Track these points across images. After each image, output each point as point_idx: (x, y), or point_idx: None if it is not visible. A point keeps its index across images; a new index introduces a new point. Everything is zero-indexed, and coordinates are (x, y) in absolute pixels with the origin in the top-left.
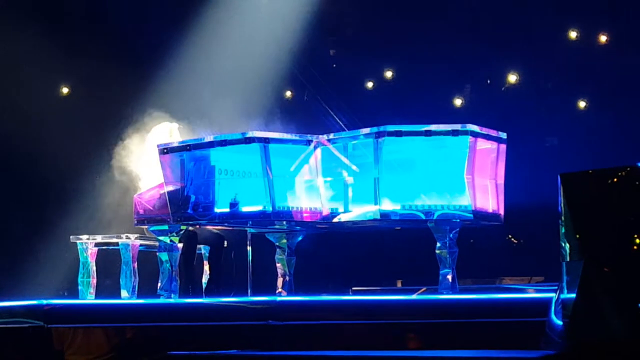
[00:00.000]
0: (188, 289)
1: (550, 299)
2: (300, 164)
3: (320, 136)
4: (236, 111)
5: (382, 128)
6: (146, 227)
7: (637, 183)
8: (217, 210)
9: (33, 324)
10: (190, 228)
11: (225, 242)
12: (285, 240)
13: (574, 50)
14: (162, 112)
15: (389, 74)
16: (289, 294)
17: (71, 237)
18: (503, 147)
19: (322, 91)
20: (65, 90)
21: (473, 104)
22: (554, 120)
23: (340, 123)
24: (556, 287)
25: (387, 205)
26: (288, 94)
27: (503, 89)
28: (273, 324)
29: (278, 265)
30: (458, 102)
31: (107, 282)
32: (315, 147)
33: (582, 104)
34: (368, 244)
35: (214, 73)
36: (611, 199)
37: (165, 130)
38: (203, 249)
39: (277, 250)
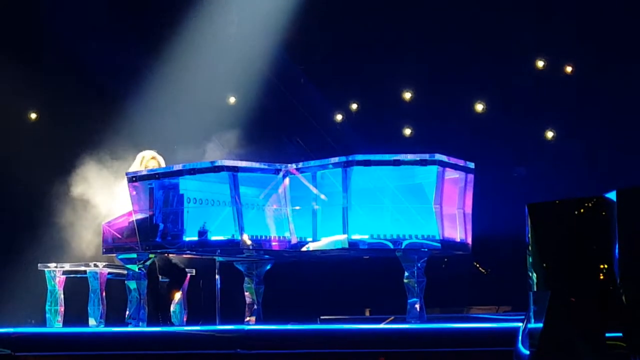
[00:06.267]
0: (157, 318)
1: (517, 328)
2: (269, 193)
3: (289, 165)
4: (204, 140)
5: (350, 157)
6: (114, 255)
7: (603, 214)
8: (185, 238)
9: (1, 352)
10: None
11: (194, 271)
12: (253, 269)
13: (541, 79)
14: (130, 141)
15: (356, 104)
16: (258, 322)
17: (39, 265)
18: (471, 176)
19: (290, 119)
20: (32, 116)
21: (441, 133)
22: (521, 150)
23: (309, 152)
24: (523, 317)
25: (356, 235)
26: (257, 121)
27: None
28: (241, 352)
29: (246, 293)
30: (427, 132)
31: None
32: (284, 176)
33: (549, 134)
34: (336, 273)
35: (182, 102)
36: (578, 230)
37: (138, 160)
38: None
39: (246, 278)
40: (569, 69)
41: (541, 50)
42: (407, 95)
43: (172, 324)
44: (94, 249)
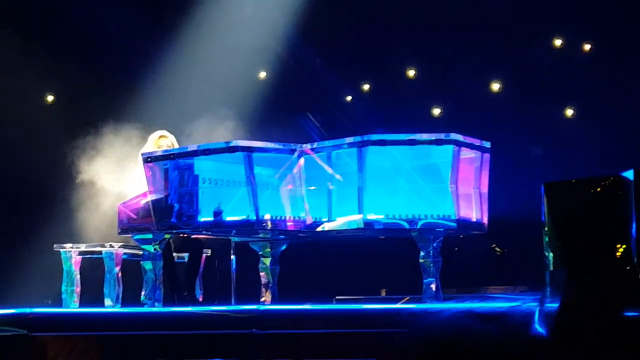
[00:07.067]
0: (173, 298)
1: (534, 308)
2: (284, 173)
3: (304, 145)
4: (219, 120)
5: (366, 137)
6: (130, 235)
7: (619, 192)
8: (200, 219)
9: (17, 332)
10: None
11: (209, 251)
12: (269, 249)
13: (558, 58)
14: (143, 121)
15: (371, 84)
16: (273, 302)
17: (55, 245)
18: (487, 156)
19: (306, 100)
20: (48, 98)
21: (457, 113)
22: (538, 129)
23: (323, 131)
24: (540, 296)
25: (371, 215)
26: (272, 101)
27: None
28: (256, 332)
29: (262, 274)
30: (443, 112)
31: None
32: (299, 156)
33: (566, 113)
34: (352, 253)
35: (198, 83)
36: (594, 209)
37: (150, 140)
38: (186, 257)
39: (261, 259)
40: (587, 47)
41: (559, 28)
42: (423, 75)
43: (196, 301)
44: (109, 229)
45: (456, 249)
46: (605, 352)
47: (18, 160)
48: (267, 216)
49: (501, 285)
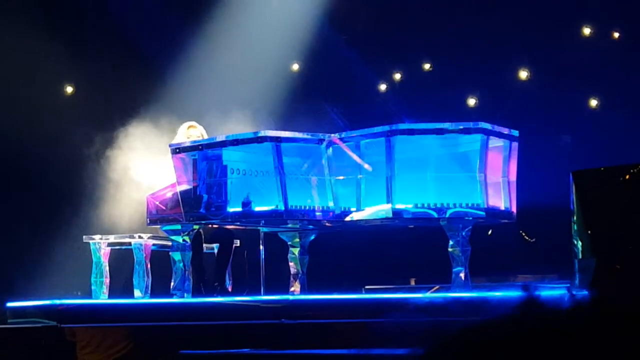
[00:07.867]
0: (200, 289)
1: (563, 296)
2: (313, 163)
3: (332, 135)
4: (247, 111)
5: (394, 126)
6: (159, 226)
7: None
8: (229, 209)
9: (46, 323)
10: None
11: (238, 242)
12: (297, 239)
13: (587, 47)
14: (172, 112)
15: (400, 73)
16: (302, 292)
17: (84, 237)
18: (515, 144)
19: (333, 89)
20: (71, 89)
21: (485, 102)
22: (566, 118)
23: (349, 122)
24: (569, 285)
25: (400, 204)
26: (299, 90)
27: None
28: (286, 322)
29: (291, 264)
30: (471, 100)
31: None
32: (327, 146)
33: (594, 102)
34: (381, 243)
35: (224, 72)
36: (623, 196)
37: (180, 131)
38: (215, 248)
39: (290, 249)
40: (616, 35)
41: (588, 16)
42: (450, 64)
43: (226, 291)
44: (137, 220)
45: (489, 233)
46: (634, 342)
47: (45, 152)
48: (295, 206)
49: (530, 274)
